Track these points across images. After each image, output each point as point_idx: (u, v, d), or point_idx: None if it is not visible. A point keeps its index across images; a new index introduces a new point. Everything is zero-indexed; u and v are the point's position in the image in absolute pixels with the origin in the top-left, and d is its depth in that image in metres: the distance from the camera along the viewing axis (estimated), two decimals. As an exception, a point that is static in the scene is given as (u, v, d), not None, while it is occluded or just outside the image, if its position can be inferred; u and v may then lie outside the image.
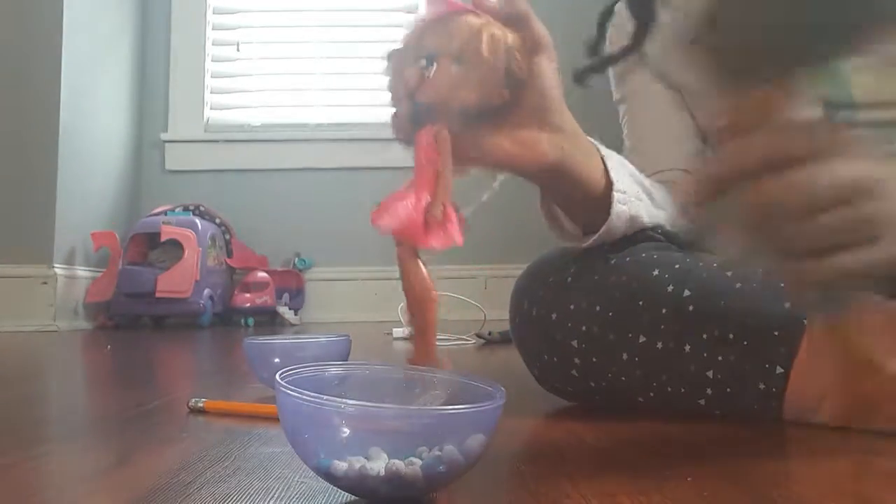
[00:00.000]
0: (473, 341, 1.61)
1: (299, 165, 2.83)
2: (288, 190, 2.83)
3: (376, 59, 2.93)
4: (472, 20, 0.51)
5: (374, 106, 2.85)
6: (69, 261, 2.29)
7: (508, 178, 0.60)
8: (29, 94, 2.23)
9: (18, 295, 2.13)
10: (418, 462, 0.38)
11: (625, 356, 0.64)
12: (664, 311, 0.62)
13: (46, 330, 2.12)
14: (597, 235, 0.64)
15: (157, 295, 2.31)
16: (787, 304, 0.59)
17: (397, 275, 0.59)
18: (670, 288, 0.63)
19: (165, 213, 2.53)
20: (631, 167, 0.68)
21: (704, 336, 0.61)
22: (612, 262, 0.66)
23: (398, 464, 0.37)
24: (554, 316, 0.68)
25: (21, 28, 2.23)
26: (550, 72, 0.55)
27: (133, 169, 2.82)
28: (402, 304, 0.55)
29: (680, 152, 0.84)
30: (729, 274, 0.63)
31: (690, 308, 0.62)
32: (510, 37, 0.53)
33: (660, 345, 0.62)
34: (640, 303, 0.64)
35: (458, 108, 0.53)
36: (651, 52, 0.81)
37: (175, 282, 2.32)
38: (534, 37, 0.54)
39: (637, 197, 0.65)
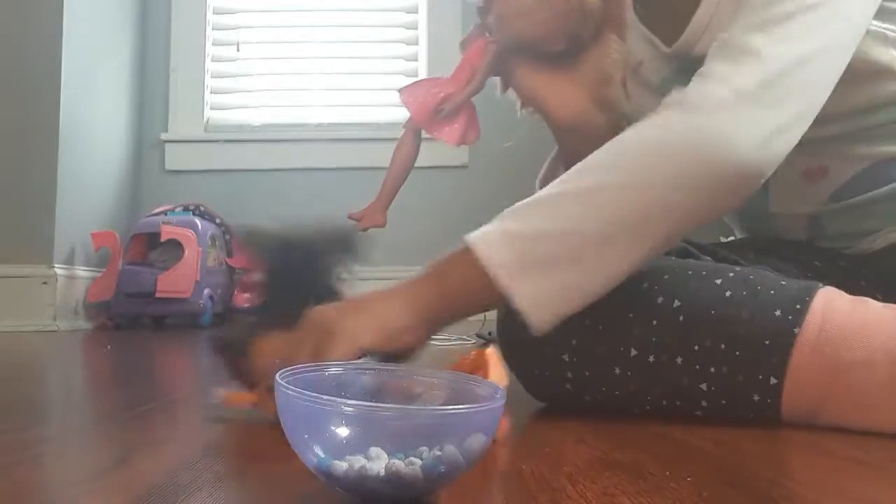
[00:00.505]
0: (473, 341, 1.61)
1: (299, 165, 2.83)
2: (288, 190, 2.83)
3: (376, 60, 2.93)
4: None
5: (375, 106, 2.84)
6: (69, 261, 2.28)
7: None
8: (29, 94, 2.23)
9: (18, 295, 2.13)
10: (418, 462, 0.37)
11: (617, 370, 0.63)
12: (654, 322, 0.62)
13: (46, 330, 2.12)
14: None
15: (157, 295, 2.30)
16: (777, 312, 0.59)
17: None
18: (660, 299, 0.62)
19: (165, 213, 2.53)
20: None
21: (696, 347, 0.60)
22: None
23: (398, 464, 0.37)
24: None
25: (20, 28, 2.22)
26: (615, 49, 0.57)
27: (133, 169, 2.81)
28: None
29: None
30: (718, 282, 0.62)
31: (681, 319, 0.61)
32: None
33: (652, 358, 0.62)
34: (630, 315, 0.63)
35: (515, 34, 0.55)
36: None
37: (175, 282, 2.32)
38: (615, 11, 0.55)
39: None
